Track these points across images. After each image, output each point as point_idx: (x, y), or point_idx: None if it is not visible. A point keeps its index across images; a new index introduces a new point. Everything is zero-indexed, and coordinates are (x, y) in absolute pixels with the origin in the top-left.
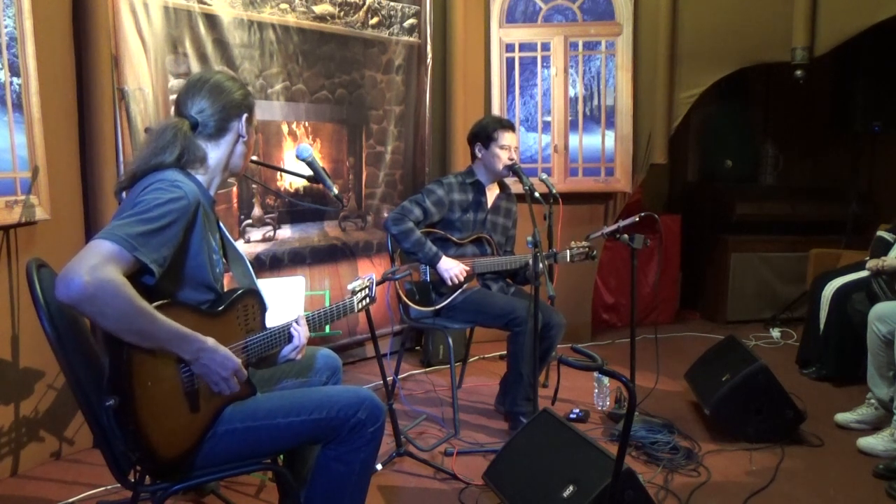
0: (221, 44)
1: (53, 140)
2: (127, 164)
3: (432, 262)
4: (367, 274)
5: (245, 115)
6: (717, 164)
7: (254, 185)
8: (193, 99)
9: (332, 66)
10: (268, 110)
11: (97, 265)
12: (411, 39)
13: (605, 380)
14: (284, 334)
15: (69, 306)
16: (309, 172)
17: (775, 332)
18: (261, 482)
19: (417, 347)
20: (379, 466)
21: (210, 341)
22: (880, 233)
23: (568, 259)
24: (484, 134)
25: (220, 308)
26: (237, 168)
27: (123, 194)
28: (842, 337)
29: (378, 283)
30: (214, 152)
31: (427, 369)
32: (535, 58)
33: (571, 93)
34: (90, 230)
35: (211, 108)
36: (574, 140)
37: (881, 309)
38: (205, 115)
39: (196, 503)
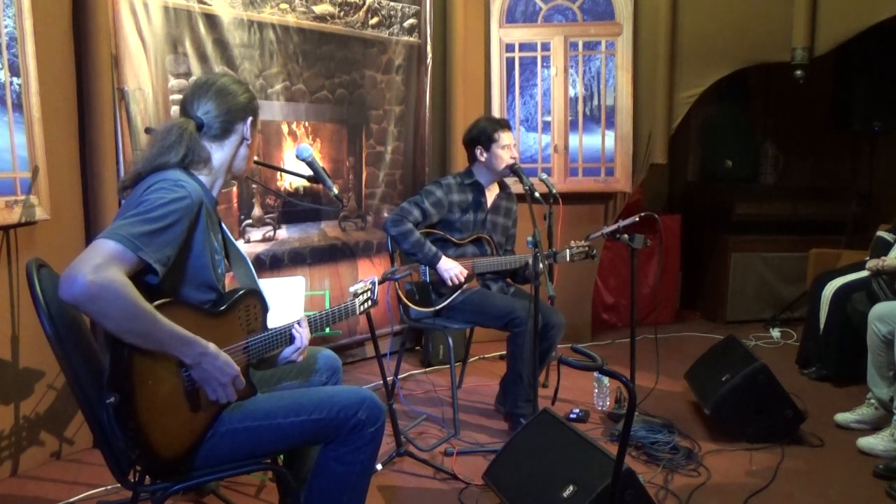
0: (221, 44)
1: (53, 140)
2: (127, 163)
3: (432, 263)
4: (368, 276)
5: (250, 119)
6: (717, 164)
7: (254, 185)
8: (200, 100)
9: (332, 66)
10: (268, 110)
11: (101, 265)
12: (411, 39)
13: (605, 380)
14: (286, 335)
15: (72, 305)
16: (309, 172)
17: (775, 332)
18: (261, 482)
19: (417, 347)
20: (379, 466)
21: (212, 347)
22: (880, 233)
23: (568, 258)
24: (484, 137)
25: (222, 308)
26: (240, 170)
27: (126, 193)
28: (842, 337)
29: (378, 283)
30: (218, 153)
31: (427, 369)
32: (535, 58)
33: (571, 93)
34: (90, 230)
35: (216, 110)
36: (574, 140)
37: (881, 309)
38: (210, 117)
39: (196, 503)
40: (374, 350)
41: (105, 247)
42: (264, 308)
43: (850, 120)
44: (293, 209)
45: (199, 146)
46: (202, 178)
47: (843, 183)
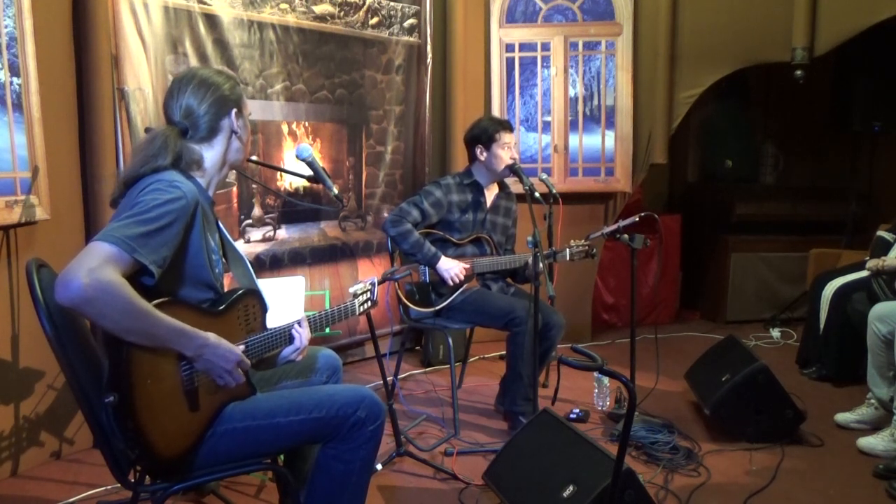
0: (221, 44)
1: (53, 140)
2: (127, 164)
3: (431, 263)
4: (368, 276)
5: (234, 111)
6: (717, 164)
7: (254, 185)
8: (179, 101)
9: (332, 66)
10: (268, 110)
11: (96, 267)
12: (411, 39)
13: (605, 380)
14: (285, 335)
15: (69, 309)
16: (309, 172)
17: (775, 332)
18: (261, 482)
19: (417, 347)
20: (379, 466)
21: (212, 336)
22: (880, 233)
23: (568, 258)
24: (485, 136)
25: (221, 307)
26: (237, 162)
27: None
28: (842, 337)
29: (378, 284)
30: (209, 153)
31: (427, 369)
32: (535, 58)
33: (571, 93)
34: (90, 230)
35: (199, 110)
36: (574, 140)
37: (881, 309)
38: (193, 118)
39: (196, 503)
40: (374, 350)
41: (100, 249)
42: (263, 308)
43: (850, 120)
44: (293, 209)
45: (188, 149)
46: (197, 179)
47: (843, 183)
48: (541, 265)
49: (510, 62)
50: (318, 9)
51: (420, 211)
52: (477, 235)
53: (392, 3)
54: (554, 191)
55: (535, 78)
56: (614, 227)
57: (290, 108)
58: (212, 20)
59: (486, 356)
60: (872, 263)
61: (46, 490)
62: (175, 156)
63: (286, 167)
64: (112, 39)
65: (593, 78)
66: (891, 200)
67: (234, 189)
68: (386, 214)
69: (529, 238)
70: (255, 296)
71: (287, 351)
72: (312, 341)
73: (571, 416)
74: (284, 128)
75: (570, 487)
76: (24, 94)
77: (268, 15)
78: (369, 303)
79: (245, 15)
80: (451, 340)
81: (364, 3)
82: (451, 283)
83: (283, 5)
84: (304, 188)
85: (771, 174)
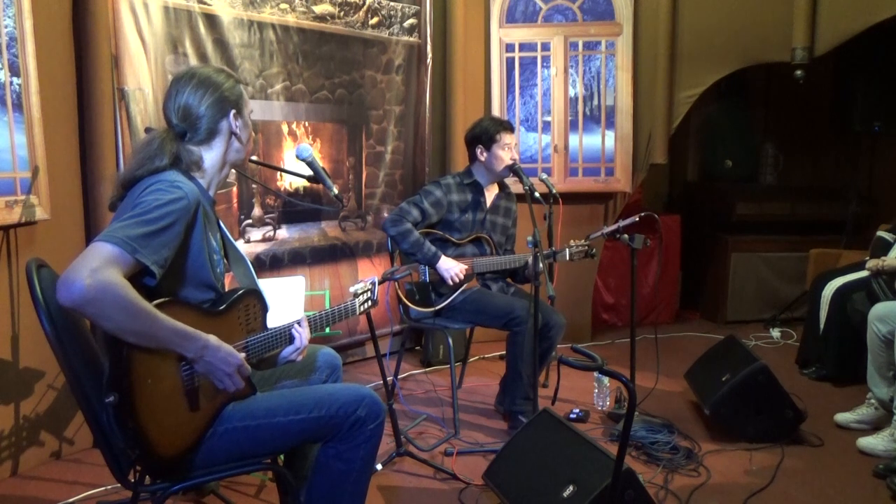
0: (221, 44)
1: (53, 140)
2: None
3: (431, 263)
4: (368, 276)
5: (233, 111)
6: (717, 164)
7: (254, 185)
8: (177, 102)
9: (332, 66)
10: (268, 110)
11: (98, 268)
12: (411, 39)
13: (605, 380)
14: (285, 335)
15: (70, 309)
16: (309, 172)
17: (775, 332)
18: (261, 482)
19: (417, 347)
20: (379, 466)
21: (212, 339)
22: (880, 233)
23: (567, 257)
24: (486, 136)
25: (222, 307)
26: (238, 161)
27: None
28: (842, 337)
29: (378, 283)
30: (209, 154)
31: (427, 369)
32: (535, 58)
33: (571, 93)
34: (90, 230)
35: (197, 111)
36: (574, 140)
37: (881, 309)
38: (192, 120)
39: (196, 503)
40: (374, 350)
41: (102, 250)
42: (264, 308)
43: (850, 120)
44: (293, 209)
45: (187, 151)
46: (198, 179)
47: (843, 183)
48: (541, 265)
49: (510, 62)
50: (318, 9)
51: (420, 210)
52: (477, 235)
53: (392, 3)
54: (554, 191)
55: (535, 78)
56: (614, 227)
57: (290, 108)
58: (212, 20)
59: (486, 356)
60: (872, 263)
61: (46, 490)
62: (173, 157)
63: (286, 167)
64: (112, 39)
65: (593, 78)
66: (891, 200)
67: (234, 189)
68: (386, 214)
69: (529, 238)
70: (256, 296)
71: (287, 351)
72: (312, 341)
73: (571, 416)
74: (284, 128)
75: (570, 487)
76: (24, 94)
77: (268, 15)
78: (369, 302)
79: (245, 15)
80: (451, 340)
81: (364, 3)
82: (450, 282)
83: (283, 5)
84: (304, 188)
85: (771, 174)
